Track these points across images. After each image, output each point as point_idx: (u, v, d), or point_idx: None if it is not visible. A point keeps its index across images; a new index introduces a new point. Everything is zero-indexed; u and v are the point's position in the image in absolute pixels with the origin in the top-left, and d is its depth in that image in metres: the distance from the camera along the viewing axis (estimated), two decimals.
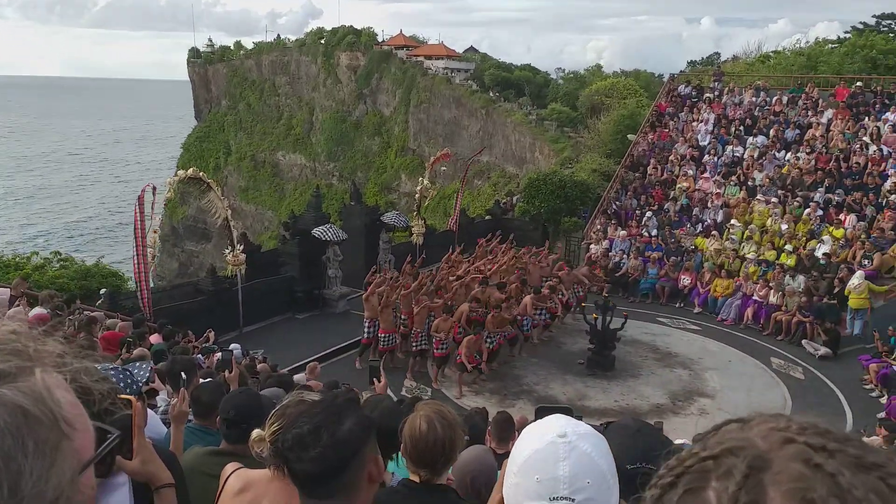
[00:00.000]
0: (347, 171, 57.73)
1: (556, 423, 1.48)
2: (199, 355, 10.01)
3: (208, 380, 5.13)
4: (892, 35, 35.33)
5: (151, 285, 15.15)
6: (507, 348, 14.21)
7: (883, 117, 20.12)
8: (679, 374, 14.07)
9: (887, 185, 17.65)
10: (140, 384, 3.10)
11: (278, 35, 72.15)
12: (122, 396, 1.60)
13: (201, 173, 15.28)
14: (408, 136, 55.38)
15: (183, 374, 4.20)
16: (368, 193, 51.30)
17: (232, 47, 71.92)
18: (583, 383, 13.52)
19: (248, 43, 74.29)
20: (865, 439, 7.43)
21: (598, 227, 20.70)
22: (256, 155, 65.77)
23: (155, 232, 13.85)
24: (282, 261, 17.96)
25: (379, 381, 4.52)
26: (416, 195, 19.96)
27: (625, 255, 19.15)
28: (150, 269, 14.02)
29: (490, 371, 13.57)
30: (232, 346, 10.82)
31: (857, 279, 14.85)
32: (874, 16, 39.67)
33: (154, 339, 9.55)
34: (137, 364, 3.16)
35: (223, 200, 15.82)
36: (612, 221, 20.57)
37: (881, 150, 18.82)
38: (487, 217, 24.18)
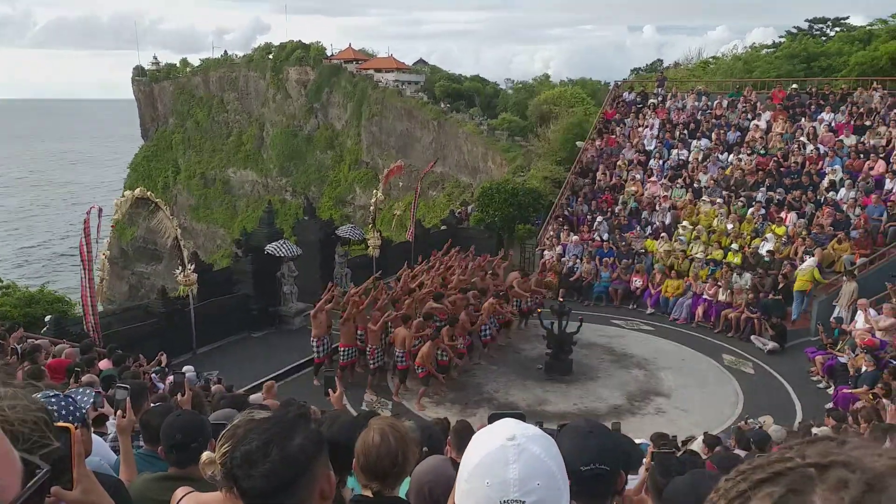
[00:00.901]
0: (300, 186, 57.22)
1: (505, 427, 1.48)
2: (155, 376, 9.77)
3: (157, 404, 5.01)
4: (823, 38, 36.91)
5: (100, 309, 14.72)
6: (467, 359, 14.25)
7: (818, 117, 20.98)
8: (635, 374, 14.33)
9: (825, 182, 18.39)
10: (84, 410, 3.02)
11: (225, 51, 71.38)
12: (60, 425, 1.57)
13: (149, 193, 14.94)
14: (361, 149, 55.23)
15: (118, 390, 4.02)
16: (323, 207, 50.92)
17: (178, 64, 70.68)
18: (542, 388, 13.64)
19: (195, 60, 73.28)
20: (815, 430, 7.66)
21: (552, 233, 20.99)
22: (206, 172, 64.64)
23: (104, 255, 13.47)
24: (235, 279, 17.66)
25: (334, 392, 4.49)
26: (371, 207, 19.89)
27: (578, 260, 19.45)
28: (99, 293, 13.61)
29: (450, 381, 13.60)
30: (185, 368, 10.58)
31: (808, 263, 15.54)
32: (806, 20, 41.41)
33: (103, 364, 9.28)
34: (81, 390, 3.09)
35: (173, 220, 15.51)
36: (565, 227, 20.89)
37: (818, 149, 19.61)
38: (443, 227, 24.26)
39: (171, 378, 8.68)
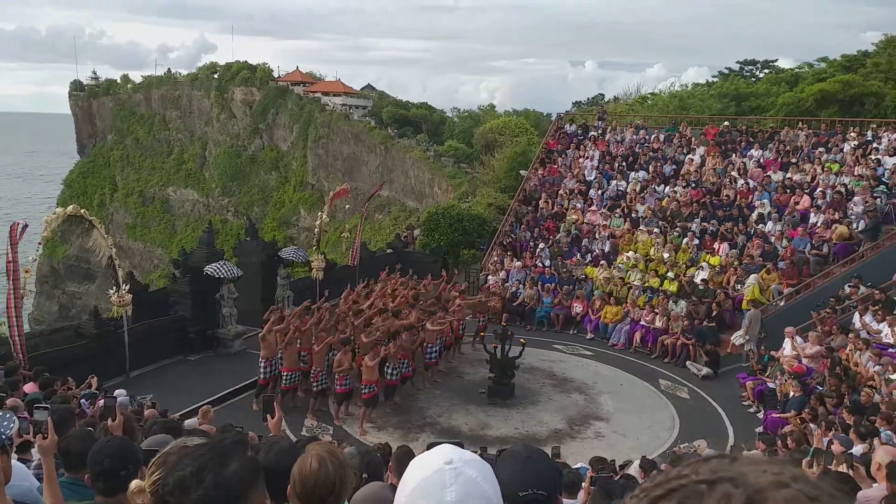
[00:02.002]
0: (243, 207, 56.27)
1: (442, 452, 1.50)
2: (84, 400, 9.38)
3: (78, 429, 4.82)
4: (753, 79, 38.91)
5: (26, 329, 14.05)
6: (410, 385, 14.21)
7: (748, 154, 22.04)
8: (575, 398, 14.55)
9: (754, 215, 19.26)
10: (6, 436, 2.91)
11: (169, 69, 69.99)
12: None
13: (83, 210, 14.45)
14: (306, 171, 54.84)
15: (38, 411, 3.84)
16: (266, 229, 50.16)
17: (119, 80, 68.97)
18: (484, 413, 13.70)
19: (137, 77, 71.52)
20: (746, 453, 7.92)
21: (495, 258, 21.24)
22: (145, 191, 62.90)
23: (26, 272, 12.88)
24: (172, 300, 17.16)
25: (272, 417, 4.42)
26: (316, 230, 19.73)
27: (521, 285, 19.72)
28: (25, 312, 13.00)
29: (392, 406, 13.53)
30: (117, 392, 10.19)
31: (751, 280, 16.45)
32: (738, 62, 43.63)
33: (29, 388, 8.87)
34: (4, 415, 2.97)
35: (107, 238, 15.00)
36: (508, 253, 21.18)
37: (748, 183, 20.56)
38: (389, 251, 24.24)
39: (101, 402, 8.37)
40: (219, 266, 16.45)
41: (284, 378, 12.97)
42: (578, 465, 9.21)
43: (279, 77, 61.99)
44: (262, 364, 13.13)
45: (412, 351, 14.03)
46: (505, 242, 22.03)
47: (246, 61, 62.06)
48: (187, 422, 9.36)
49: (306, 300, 15.13)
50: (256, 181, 57.85)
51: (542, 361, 16.42)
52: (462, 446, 1.76)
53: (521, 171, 27.58)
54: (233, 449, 1.67)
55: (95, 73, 70.19)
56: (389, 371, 13.24)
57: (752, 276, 16.75)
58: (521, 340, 14.46)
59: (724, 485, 0.68)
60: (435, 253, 23.56)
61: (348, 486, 2.30)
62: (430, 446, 1.79)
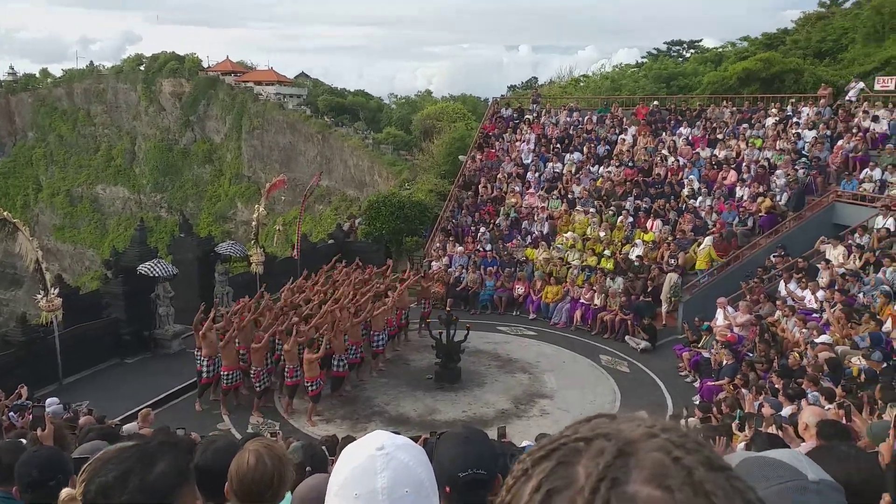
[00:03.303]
0: (177, 202, 54.65)
1: (374, 438, 1.51)
2: (13, 413, 9.02)
3: (6, 440, 4.65)
4: (680, 59, 40.05)
5: None
6: (354, 375, 14.17)
7: (677, 132, 22.73)
8: (520, 378, 14.81)
9: (685, 191, 19.91)
10: None
11: (91, 62, 67.12)
12: None
13: (6, 213, 13.80)
14: (241, 163, 53.63)
15: None
16: (202, 224, 48.93)
17: (38, 75, 65.77)
18: (432, 398, 13.81)
19: (57, 70, 68.25)
20: (683, 421, 8.23)
21: (438, 244, 21.34)
22: (72, 190, 60.35)
23: None
24: (105, 302, 16.59)
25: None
26: (254, 223, 19.36)
27: (464, 270, 19.88)
28: None
29: (340, 397, 13.49)
30: (48, 400, 9.82)
31: (706, 243, 17.07)
32: (665, 42, 44.83)
33: None
34: None
35: (33, 241, 14.37)
36: (450, 238, 21.30)
37: (678, 160, 21.22)
38: (330, 241, 24.01)
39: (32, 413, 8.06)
40: (153, 265, 15.99)
41: (225, 377, 12.72)
42: (525, 444, 9.43)
43: (209, 67, 60.25)
44: (205, 363, 12.85)
45: (359, 334, 13.94)
46: (447, 228, 22.14)
47: (174, 52, 60.14)
48: (126, 426, 9.14)
49: (247, 295, 14.89)
50: (190, 175, 56.26)
51: (486, 344, 16.63)
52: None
53: (459, 157, 27.72)
54: (159, 451, 1.64)
55: (13, 69, 66.85)
56: (336, 363, 13.18)
57: (707, 240, 17.30)
58: (468, 326, 14.62)
59: (599, 441, 0.72)
60: (378, 242, 23.48)
61: (287, 481, 2.28)
62: None
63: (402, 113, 52.10)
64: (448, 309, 15.48)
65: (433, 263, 20.45)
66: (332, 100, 55.74)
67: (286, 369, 12.62)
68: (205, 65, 60.39)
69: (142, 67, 59.75)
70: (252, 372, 12.84)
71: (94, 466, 1.78)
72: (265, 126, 51.67)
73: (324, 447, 6.62)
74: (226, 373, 12.70)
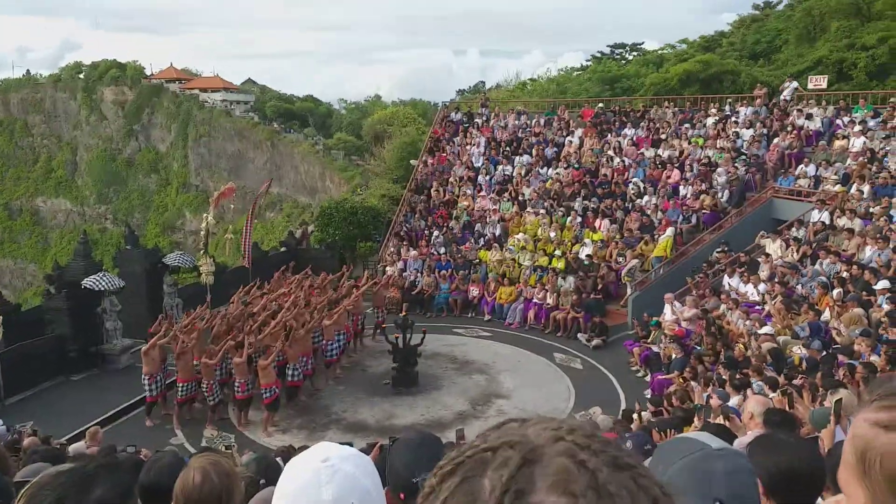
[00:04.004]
0: (122, 214, 53.16)
1: (319, 450, 1.51)
2: None
3: None
4: (623, 62, 40.99)
5: None
6: (309, 384, 14.06)
7: (622, 133, 23.29)
8: (477, 379, 14.93)
9: (631, 189, 20.41)
10: None
11: (28, 70, 64.73)
12: None
13: None
14: (188, 172, 52.55)
15: None
16: (149, 235, 47.76)
17: None
18: (390, 403, 13.80)
19: None
20: (636, 415, 8.42)
21: (392, 249, 21.34)
22: (10, 203, 58.07)
23: None
24: (48, 318, 16.04)
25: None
26: (202, 232, 19.00)
27: (419, 274, 19.94)
28: None
29: (295, 406, 13.36)
30: None
31: (668, 234, 17.54)
32: (608, 45, 45.78)
33: None
34: None
35: None
36: (404, 243, 21.33)
37: (623, 161, 21.74)
38: (282, 249, 23.75)
39: None
40: (98, 278, 15.55)
41: (180, 389, 12.47)
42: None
43: (152, 75, 58.89)
44: (146, 381, 12.57)
45: (310, 345, 13.86)
46: (400, 233, 22.16)
47: (115, 59, 58.52)
48: (73, 446, 8.87)
49: (198, 307, 14.63)
50: (135, 186, 54.81)
51: (443, 346, 16.69)
52: (352, 445, 1.78)
53: (411, 161, 27.77)
54: (97, 474, 1.58)
55: None
56: (291, 372, 13.05)
57: (669, 230, 17.81)
58: (423, 329, 14.67)
59: (503, 450, 0.71)
60: (331, 248, 23.34)
61: (236, 497, 2.23)
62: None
63: (352, 118, 51.87)
64: (404, 313, 15.49)
65: (387, 268, 20.45)
66: (280, 106, 55.14)
67: (237, 383, 12.42)
68: (148, 72, 59.04)
69: (81, 76, 57.99)
70: (205, 385, 12.62)
71: (30, 492, 1.72)
72: (212, 133, 50.76)
73: (279, 458, 6.59)
74: (181, 384, 12.45)
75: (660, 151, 21.43)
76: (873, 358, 9.21)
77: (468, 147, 25.18)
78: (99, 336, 16.01)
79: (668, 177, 20.10)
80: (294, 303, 14.62)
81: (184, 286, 19.05)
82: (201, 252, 18.77)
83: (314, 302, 15.10)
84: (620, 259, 17.90)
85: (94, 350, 15.92)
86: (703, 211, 18.33)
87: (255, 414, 12.86)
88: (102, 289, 15.52)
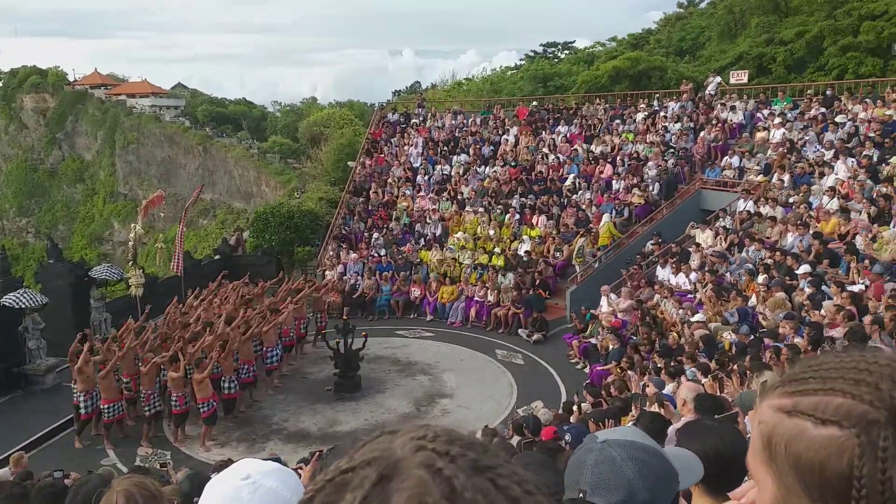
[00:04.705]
0: (45, 226, 50.78)
1: (240, 468, 1.47)
2: None
3: None
4: (555, 60, 41.68)
5: None
6: (248, 395, 13.72)
7: (556, 130, 23.66)
8: (420, 380, 14.89)
9: (566, 185, 20.75)
10: None
11: None
12: None
13: None
14: (116, 180, 50.65)
15: None
16: (75, 248, 45.84)
17: None
18: (333, 409, 13.61)
19: None
20: (575, 407, 8.52)
21: (331, 252, 21.08)
22: None
23: None
24: None
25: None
26: (130, 243, 18.32)
27: (359, 277, 19.75)
28: None
29: (234, 419, 13.02)
30: None
31: (605, 219, 17.96)
32: (541, 44, 46.47)
33: None
34: None
35: None
36: (344, 246, 21.10)
37: (558, 158, 22.09)
38: (217, 257, 23.12)
39: None
40: (18, 295, 14.80)
41: (106, 411, 11.92)
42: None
43: (76, 81, 56.53)
44: (82, 398, 12.01)
45: (252, 353, 13.55)
46: (339, 236, 21.92)
47: (35, 66, 55.87)
48: None
49: (127, 321, 14.07)
50: (59, 196, 52.50)
51: (385, 349, 16.59)
52: (279, 460, 1.72)
53: (348, 163, 27.51)
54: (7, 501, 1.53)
55: None
56: (226, 385, 12.70)
57: (605, 216, 18.20)
58: (364, 333, 14.52)
59: (362, 469, 0.69)
60: (268, 254, 22.87)
61: None
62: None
63: (287, 120, 51.03)
64: (345, 317, 15.31)
65: (327, 273, 20.18)
66: (212, 110, 53.81)
67: (174, 397, 12.01)
68: (71, 78, 56.64)
69: None
70: (142, 395, 12.16)
71: None
72: (141, 140, 49.07)
73: (215, 474, 6.39)
74: (106, 406, 11.90)
75: (592, 147, 21.86)
76: (797, 340, 9.57)
77: (406, 147, 25.11)
78: (21, 356, 15.21)
79: (602, 172, 20.53)
80: (230, 312, 14.27)
81: (112, 300, 18.32)
82: (130, 263, 18.11)
83: (250, 312, 14.75)
84: (558, 254, 18.16)
85: (17, 371, 15.13)
86: (635, 204, 18.79)
87: (192, 429, 12.46)
88: (24, 306, 14.78)
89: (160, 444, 12.35)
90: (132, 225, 18.47)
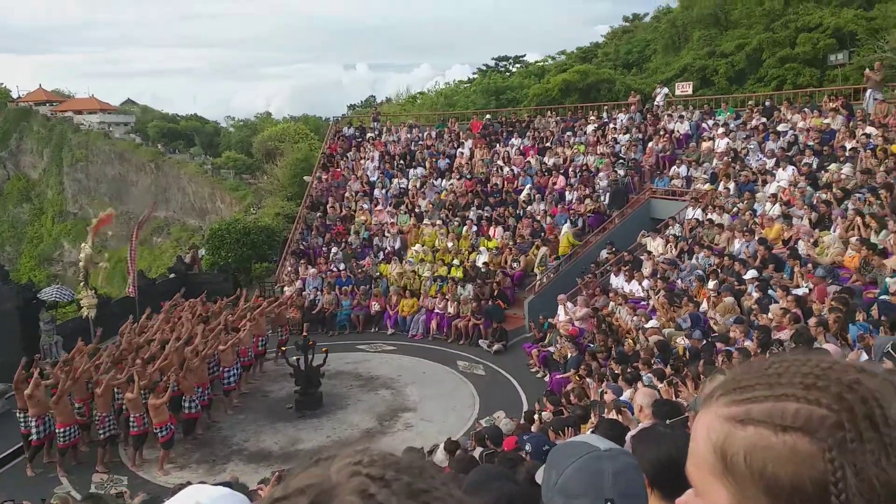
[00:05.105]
0: None
1: (187, 494, 1.45)
2: None
3: None
4: (507, 74, 42.32)
5: None
6: (206, 416, 13.52)
7: (509, 143, 24.04)
8: (383, 395, 14.88)
9: (521, 196, 21.08)
10: None
11: None
12: None
13: None
14: (65, 199, 49.26)
15: None
16: (23, 269, 44.37)
17: None
18: (294, 428, 13.48)
19: None
20: (536, 416, 8.63)
21: (289, 268, 20.93)
22: None
23: None
24: None
25: None
26: (81, 263, 17.90)
27: (318, 292, 19.65)
28: None
29: (194, 440, 12.81)
30: None
31: (565, 229, 18.37)
32: (493, 58, 47.12)
33: None
34: None
35: None
36: (302, 261, 20.98)
37: (512, 170, 22.44)
38: (172, 275, 22.72)
39: None
40: None
41: (60, 436, 11.61)
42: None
43: (19, 97, 54.90)
44: (34, 423, 11.67)
45: (206, 375, 13.36)
46: (297, 251, 21.78)
47: None
48: None
49: (79, 342, 13.73)
50: (5, 216, 50.78)
51: (347, 364, 16.53)
52: (231, 485, 1.72)
53: (305, 178, 27.41)
54: None
55: None
56: (187, 404, 12.50)
57: (565, 226, 18.59)
58: (324, 349, 14.45)
59: (294, 498, 0.68)
60: (224, 271, 22.57)
61: None
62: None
63: (241, 136, 50.42)
64: (305, 334, 15.22)
65: (286, 289, 20.02)
66: (163, 126, 52.86)
67: (131, 418, 11.76)
68: (14, 95, 54.98)
69: None
70: (96, 418, 11.87)
71: None
72: (90, 157, 47.91)
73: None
74: (61, 430, 11.59)
75: (545, 159, 22.26)
76: (747, 343, 9.86)
77: (362, 161, 25.16)
78: None
79: (555, 183, 20.92)
80: (188, 331, 14.05)
81: (63, 322, 17.84)
82: (82, 284, 17.68)
83: (208, 329, 14.55)
84: (515, 265, 18.42)
85: None
86: (588, 214, 19.19)
87: (150, 452, 12.21)
88: None
89: (116, 468, 12.06)
90: (82, 245, 18.05)
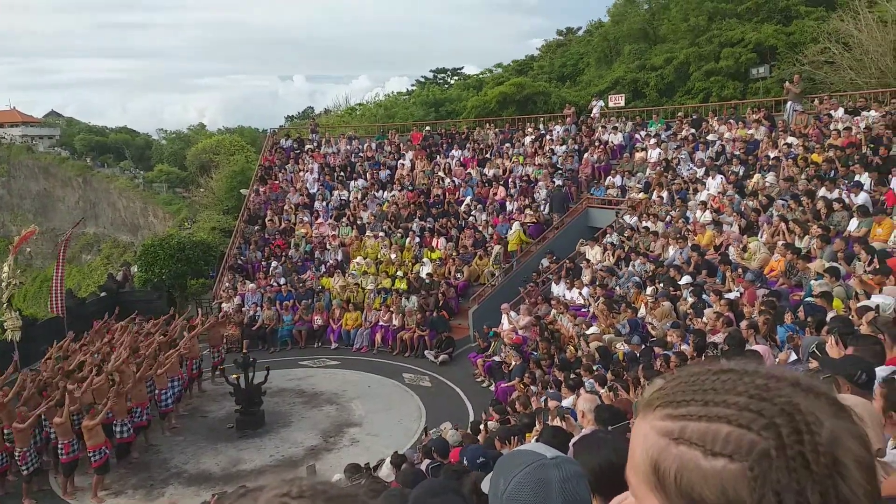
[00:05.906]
0: None
1: None
2: None
3: None
4: (446, 86, 42.68)
5: None
6: (143, 439, 13.03)
7: (450, 154, 24.21)
8: (327, 411, 14.65)
9: (462, 207, 21.24)
10: None
11: None
12: None
13: None
14: None
15: None
16: None
17: None
18: (235, 448, 13.12)
19: None
20: (482, 426, 8.65)
21: (227, 283, 20.43)
22: None
23: None
24: None
25: None
26: (3, 283, 16.96)
27: (258, 308, 19.25)
28: None
29: (129, 465, 12.30)
30: None
31: (515, 227, 18.81)
32: (431, 70, 47.45)
33: None
34: None
35: None
36: (240, 276, 20.52)
37: (453, 181, 22.61)
38: (102, 294, 21.82)
39: None
40: None
41: None
42: (336, 478, 9.36)
43: None
44: None
45: (145, 394, 12.90)
46: (235, 266, 21.29)
47: None
48: None
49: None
50: None
51: (289, 381, 16.23)
52: None
53: (241, 191, 26.87)
54: None
55: None
56: (119, 428, 11.99)
57: (515, 224, 18.87)
58: (267, 367, 14.15)
59: None
60: (158, 288, 21.84)
61: None
62: None
63: (174, 148, 49.05)
64: (245, 351, 14.85)
65: (224, 305, 19.53)
66: (91, 139, 50.87)
67: (60, 445, 11.19)
68: None
69: None
70: (17, 453, 11.23)
71: None
72: (12, 172, 45.75)
73: None
74: None
75: (485, 171, 22.52)
76: (684, 347, 10.19)
77: (301, 173, 24.86)
78: None
79: (495, 194, 21.18)
80: (121, 353, 13.50)
81: None
82: (4, 305, 16.75)
83: (143, 349, 14.04)
84: (459, 275, 18.52)
85: None
86: (528, 224, 19.49)
87: (82, 479, 11.65)
88: None
89: (47, 498, 11.47)
90: (4, 264, 17.13)
